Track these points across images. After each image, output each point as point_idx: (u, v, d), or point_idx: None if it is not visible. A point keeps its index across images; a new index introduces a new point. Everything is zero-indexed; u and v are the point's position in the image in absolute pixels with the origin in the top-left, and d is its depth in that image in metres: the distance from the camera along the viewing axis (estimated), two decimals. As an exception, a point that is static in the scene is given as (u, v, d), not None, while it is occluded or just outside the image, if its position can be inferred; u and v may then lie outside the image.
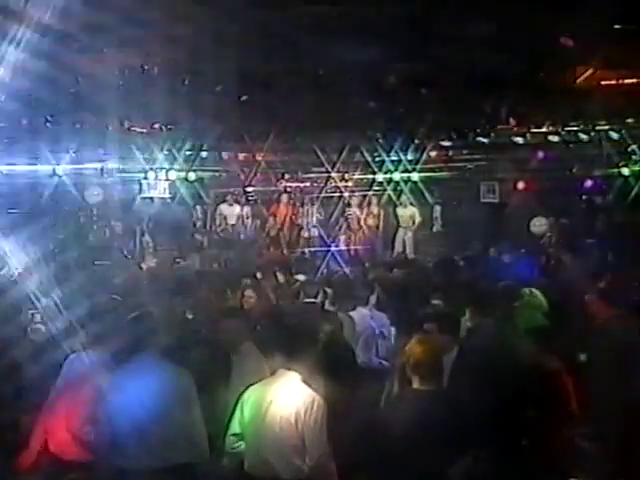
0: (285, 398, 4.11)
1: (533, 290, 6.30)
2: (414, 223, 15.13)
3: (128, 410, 4.17)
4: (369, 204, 15.63)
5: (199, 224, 15.36)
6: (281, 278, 9.04)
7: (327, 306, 6.82)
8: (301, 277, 9.09)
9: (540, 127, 14.19)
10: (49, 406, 4.74)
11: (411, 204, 15.28)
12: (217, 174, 15.65)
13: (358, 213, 15.52)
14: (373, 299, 6.83)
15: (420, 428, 3.94)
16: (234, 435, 4.25)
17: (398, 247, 14.99)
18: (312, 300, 7.03)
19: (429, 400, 4.08)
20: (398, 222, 15.27)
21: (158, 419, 4.16)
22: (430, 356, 4.17)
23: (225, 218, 15.09)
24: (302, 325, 4.90)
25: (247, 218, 15.24)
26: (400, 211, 15.27)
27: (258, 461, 4.12)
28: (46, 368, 4.95)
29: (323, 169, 15.51)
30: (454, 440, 3.91)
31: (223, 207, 15.20)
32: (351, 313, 6.41)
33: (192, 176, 14.87)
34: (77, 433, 4.52)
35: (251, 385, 4.35)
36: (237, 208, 15.21)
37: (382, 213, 15.55)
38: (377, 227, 15.40)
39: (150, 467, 4.10)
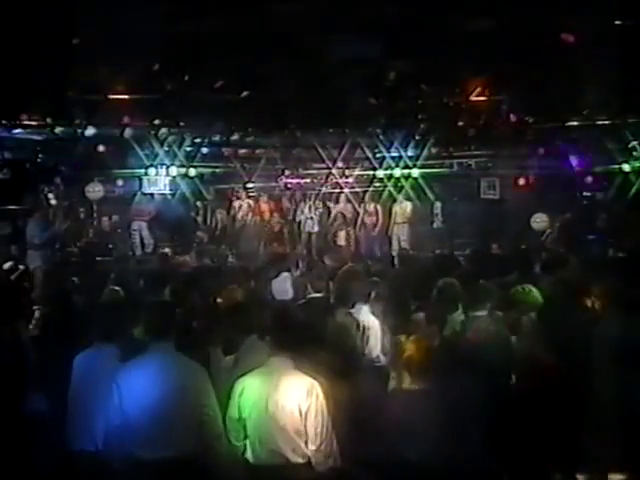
0: (285, 386, 4.18)
1: (527, 286, 6.33)
2: (406, 218, 15.15)
3: (144, 402, 4.24)
4: (369, 200, 15.68)
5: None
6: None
7: (332, 301, 6.86)
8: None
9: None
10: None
11: (407, 199, 15.30)
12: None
13: (358, 209, 15.58)
14: (374, 295, 6.84)
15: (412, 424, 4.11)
16: (237, 421, 4.29)
17: (395, 243, 15.03)
18: (318, 295, 7.05)
19: (418, 398, 4.22)
20: (393, 218, 15.27)
21: (173, 410, 4.25)
22: (423, 355, 4.31)
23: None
24: (308, 320, 4.94)
25: (247, 214, 15.38)
26: (396, 207, 15.31)
27: (264, 449, 4.20)
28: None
29: (323, 165, 15.55)
30: (442, 436, 4.05)
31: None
32: (355, 309, 6.41)
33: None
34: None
35: (243, 375, 4.39)
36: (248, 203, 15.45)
37: (381, 209, 15.59)
38: (376, 223, 15.44)
39: (165, 457, 4.18)
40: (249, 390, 4.26)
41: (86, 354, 4.86)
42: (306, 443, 4.14)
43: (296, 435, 4.13)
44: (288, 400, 4.13)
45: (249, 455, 4.26)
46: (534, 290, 6.21)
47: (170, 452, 4.19)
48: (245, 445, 4.27)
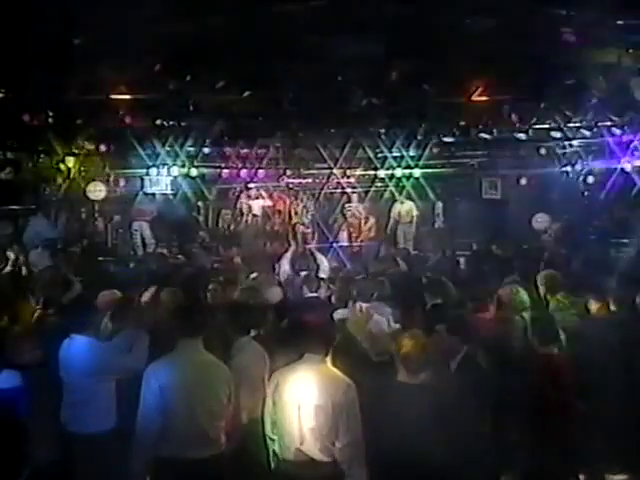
0: (319, 386, 4.15)
1: (514, 287, 6.37)
2: (412, 218, 15.24)
3: (169, 401, 4.30)
4: (370, 200, 15.71)
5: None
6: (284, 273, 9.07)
7: (333, 301, 6.88)
8: (302, 272, 9.13)
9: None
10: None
11: (410, 199, 15.38)
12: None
13: (360, 209, 15.60)
14: (378, 294, 6.85)
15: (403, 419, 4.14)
16: (271, 417, 4.32)
17: (400, 243, 15.09)
18: (314, 294, 7.05)
19: (414, 393, 4.23)
20: (397, 219, 15.37)
21: (198, 409, 4.31)
22: (418, 350, 4.32)
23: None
24: (313, 319, 4.93)
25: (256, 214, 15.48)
26: (398, 207, 15.36)
27: (292, 445, 4.19)
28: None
29: (325, 165, 15.53)
30: (436, 433, 4.06)
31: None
32: (358, 308, 6.41)
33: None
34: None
35: (277, 370, 4.45)
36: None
37: (382, 209, 15.62)
38: (377, 223, 15.48)
39: (189, 457, 4.25)
40: (282, 387, 4.24)
41: (69, 342, 5.06)
42: (333, 444, 4.10)
43: (325, 435, 4.10)
44: (322, 400, 4.09)
45: (277, 452, 4.26)
46: (521, 291, 6.27)
47: (204, 452, 4.26)
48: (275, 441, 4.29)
